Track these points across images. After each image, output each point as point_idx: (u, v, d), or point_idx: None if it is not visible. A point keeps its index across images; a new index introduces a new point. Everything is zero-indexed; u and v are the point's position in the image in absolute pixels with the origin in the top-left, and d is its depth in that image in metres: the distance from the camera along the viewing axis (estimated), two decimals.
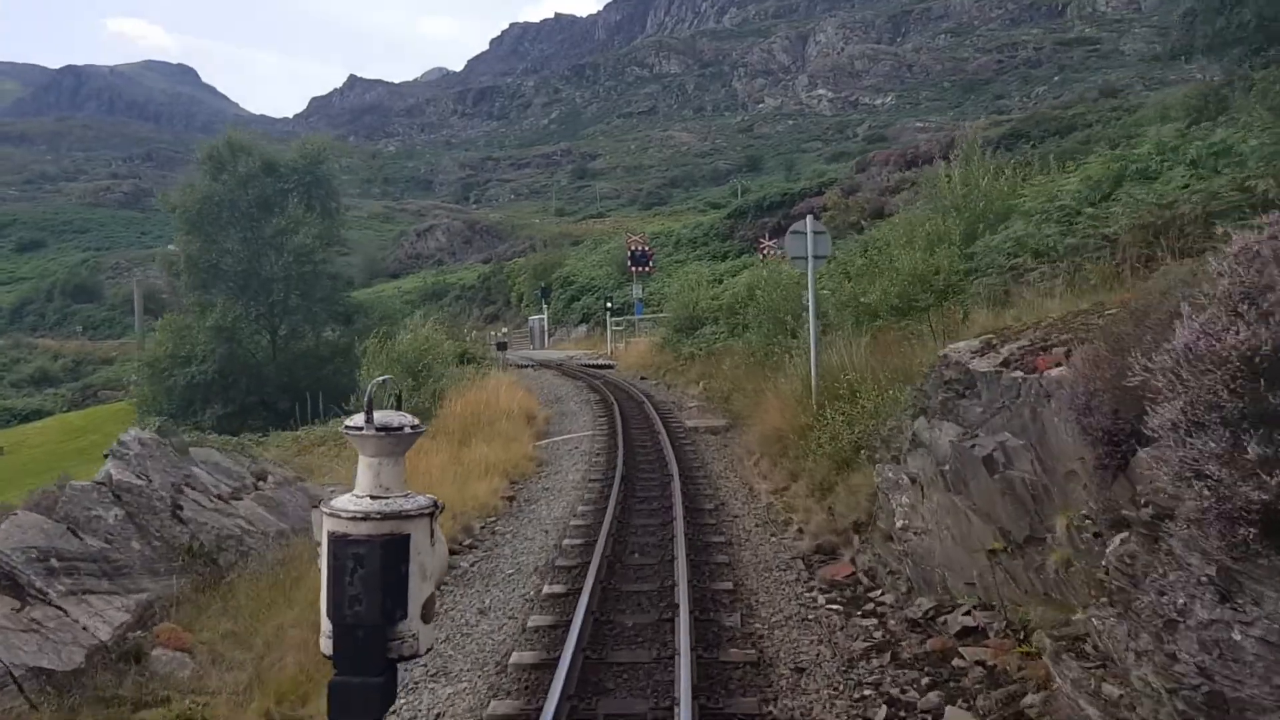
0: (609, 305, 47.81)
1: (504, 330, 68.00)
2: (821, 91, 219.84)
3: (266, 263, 26.71)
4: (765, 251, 49.51)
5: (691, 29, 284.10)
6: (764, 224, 59.96)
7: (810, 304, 15.61)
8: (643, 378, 37.31)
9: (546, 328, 62.31)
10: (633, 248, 47.76)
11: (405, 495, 1.81)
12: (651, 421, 22.56)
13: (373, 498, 1.76)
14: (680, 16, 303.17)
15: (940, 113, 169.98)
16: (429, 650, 1.82)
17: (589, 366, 45.10)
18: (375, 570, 1.67)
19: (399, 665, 1.81)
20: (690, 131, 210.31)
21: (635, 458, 17.86)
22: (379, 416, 1.81)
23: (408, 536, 1.72)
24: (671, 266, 61.39)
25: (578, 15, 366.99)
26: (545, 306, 62.62)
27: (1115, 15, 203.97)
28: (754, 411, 18.21)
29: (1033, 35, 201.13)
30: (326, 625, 1.74)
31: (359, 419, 1.85)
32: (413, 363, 20.81)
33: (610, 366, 43.84)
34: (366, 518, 1.71)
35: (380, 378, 2.09)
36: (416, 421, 1.85)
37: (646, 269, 49.23)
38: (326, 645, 1.75)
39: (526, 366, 46.97)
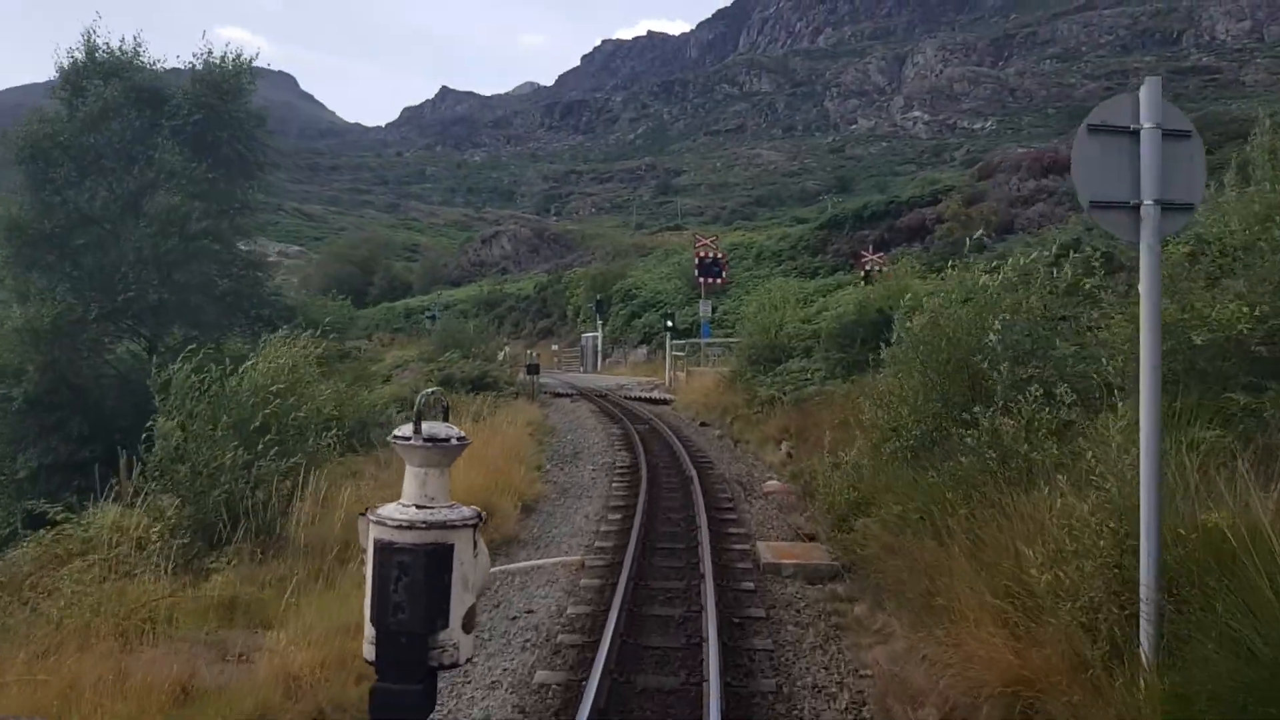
0: (670, 325, 37.47)
1: (553, 348, 58.09)
2: (917, 113, 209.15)
3: (125, 235, 16.86)
4: (868, 267, 39.07)
5: (784, 49, 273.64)
6: (864, 237, 49.30)
7: (1144, 345, 5.16)
8: (703, 424, 26.99)
9: (600, 347, 52.17)
10: (701, 254, 37.41)
11: (450, 506, 1.74)
12: (696, 532, 12.22)
13: (418, 507, 1.69)
14: (773, 36, 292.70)
15: (1043, 139, 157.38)
16: (468, 660, 1.72)
17: (639, 400, 34.86)
18: (419, 579, 1.62)
19: (439, 674, 1.68)
20: (779, 150, 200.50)
21: (638, 683, 7.51)
22: (427, 427, 1.72)
23: (451, 546, 1.66)
24: (751, 283, 51.00)
25: (670, 34, 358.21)
26: (600, 323, 52.48)
27: (1236, 44, 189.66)
28: (916, 570, 7.81)
29: (1145, 63, 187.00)
30: (370, 631, 1.67)
31: (407, 429, 1.75)
32: (245, 417, 10.69)
33: (666, 402, 33.57)
34: (412, 526, 1.65)
35: (429, 390, 1.99)
36: (463, 434, 1.73)
37: (718, 281, 38.86)
38: (369, 651, 1.67)
39: (564, 396, 36.87)
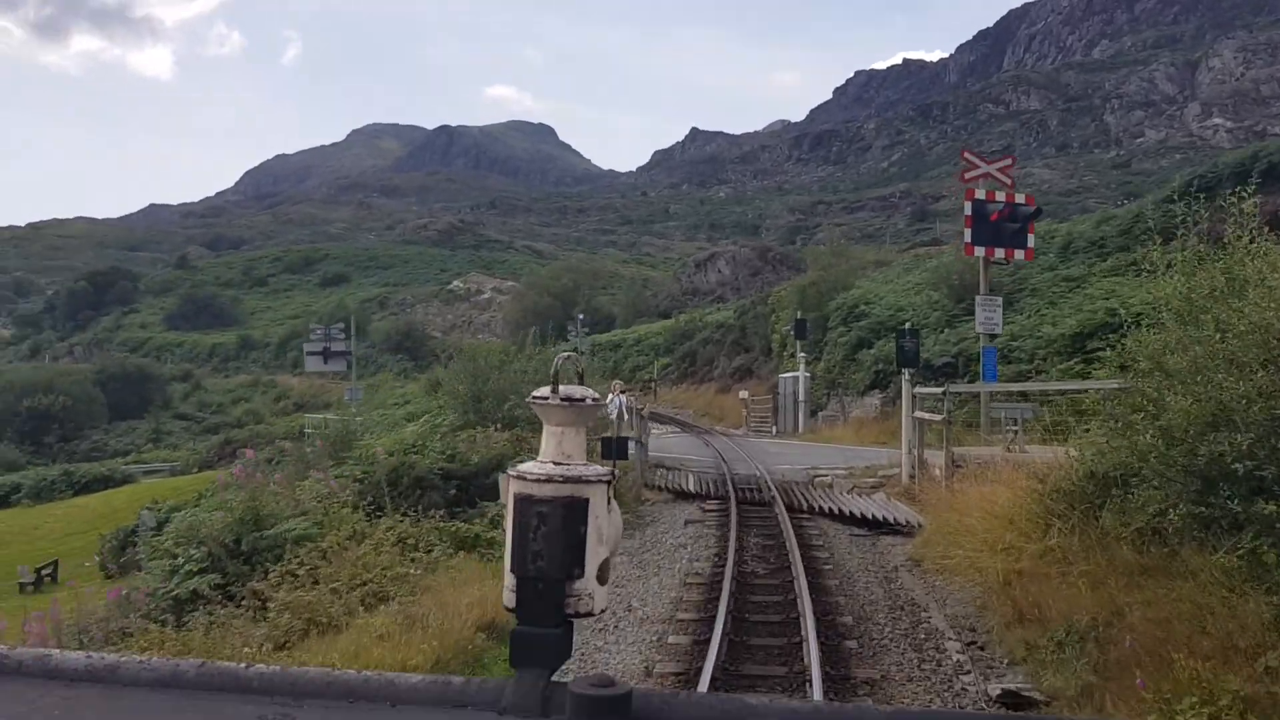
0: (907, 361, 17.09)
1: (742, 395, 38.16)
2: (1218, 121, 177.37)
3: None
4: None
5: (1055, 64, 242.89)
6: (1268, 198, 27.13)
7: None
8: (1011, 702, 6.95)
9: (804, 396, 32.01)
10: (977, 194, 16.63)
11: (585, 464, 1.76)
12: None
13: (555, 464, 1.72)
14: (1042, 53, 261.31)
15: None
16: (603, 610, 1.74)
17: (841, 518, 15.14)
18: (556, 529, 1.65)
19: (575, 622, 1.70)
20: (1053, 169, 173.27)
21: None
22: (563, 389, 1.76)
23: (586, 500, 1.68)
24: (1056, 289, 29.91)
25: (927, 60, 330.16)
26: (802, 357, 32.28)
27: None
28: None
29: None
30: (510, 580, 1.69)
31: (545, 390, 1.78)
32: None
33: (900, 531, 13.74)
34: (550, 480, 1.67)
35: (565, 353, 1.98)
36: (596, 395, 1.79)
37: (1017, 257, 17.97)
38: (509, 598, 1.68)
39: (691, 499, 17.77)
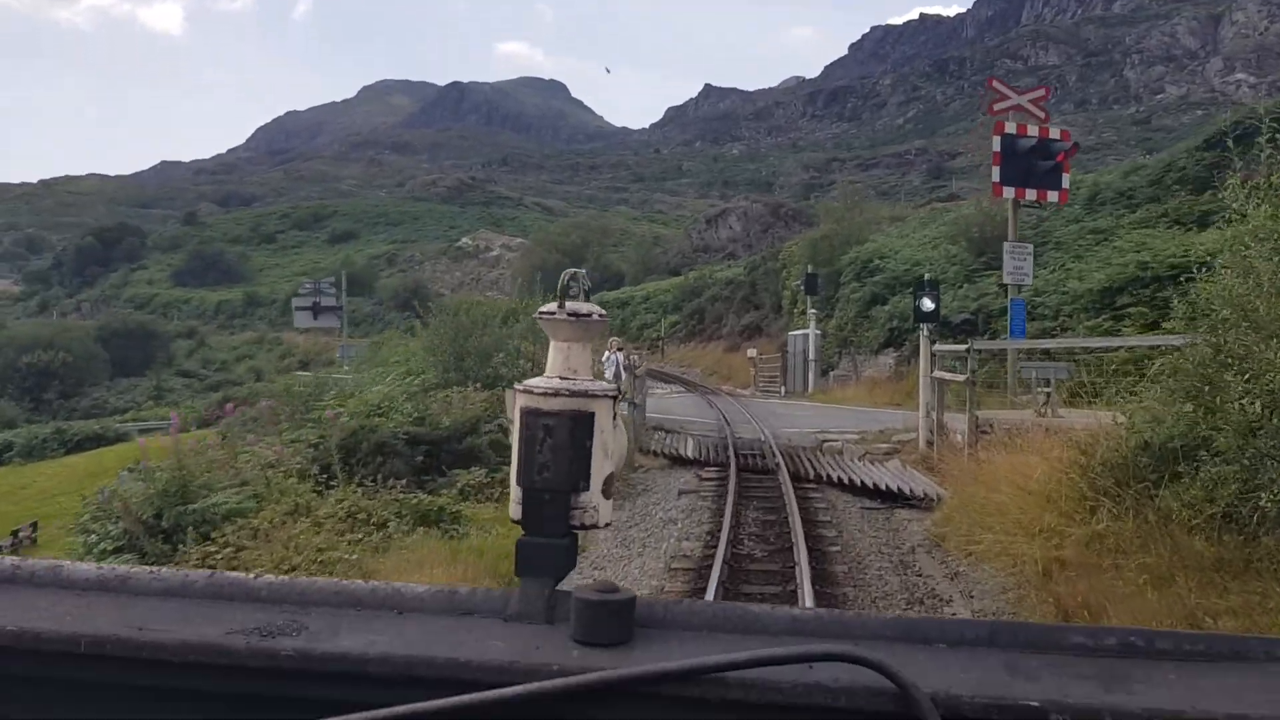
0: (925, 316, 15.55)
1: (750, 354, 36.59)
2: (1241, 76, 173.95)
3: None
4: None
5: (1074, 18, 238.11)
6: None
7: None
8: None
9: (815, 354, 30.48)
10: (1008, 126, 14.99)
11: (590, 379, 1.72)
12: None
13: (562, 378, 1.69)
14: (1061, 7, 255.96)
15: None
16: (608, 525, 1.70)
17: (851, 489, 13.62)
18: (563, 441, 1.62)
19: (580, 534, 1.67)
20: (1072, 125, 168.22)
21: None
22: (570, 305, 1.72)
23: (592, 414, 1.64)
24: (1082, 242, 28.24)
25: (944, 14, 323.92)
26: (812, 314, 30.72)
27: None
28: None
29: None
30: (516, 492, 1.62)
31: (552, 305, 1.74)
32: None
33: (918, 503, 12.23)
34: (556, 394, 1.64)
35: (573, 270, 1.81)
36: (603, 311, 1.74)
37: (1049, 201, 16.33)
38: (516, 510, 1.62)
39: (690, 465, 16.27)
